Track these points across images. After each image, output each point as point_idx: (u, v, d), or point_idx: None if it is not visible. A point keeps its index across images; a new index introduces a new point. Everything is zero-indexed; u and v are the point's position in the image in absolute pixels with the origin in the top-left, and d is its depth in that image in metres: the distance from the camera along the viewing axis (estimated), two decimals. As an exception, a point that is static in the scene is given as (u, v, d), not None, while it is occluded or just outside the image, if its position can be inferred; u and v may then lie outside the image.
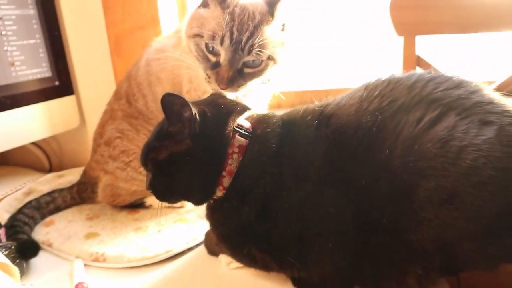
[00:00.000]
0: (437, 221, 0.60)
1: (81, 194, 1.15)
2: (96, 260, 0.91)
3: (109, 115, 1.14)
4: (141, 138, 1.07)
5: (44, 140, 1.41)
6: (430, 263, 0.64)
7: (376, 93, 0.69)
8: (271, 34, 0.86)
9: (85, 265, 0.90)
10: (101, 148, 1.11)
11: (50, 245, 0.97)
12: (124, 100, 1.12)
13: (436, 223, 0.60)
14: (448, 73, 0.68)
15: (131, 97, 1.10)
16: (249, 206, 0.72)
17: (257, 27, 0.84)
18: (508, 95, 0.66)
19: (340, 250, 0.69)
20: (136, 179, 1.07)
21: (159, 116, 1.07)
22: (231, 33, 0.83)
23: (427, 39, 1.19)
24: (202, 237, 0.96)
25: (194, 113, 0.71)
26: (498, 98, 0.65)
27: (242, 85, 0.88)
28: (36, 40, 1.23)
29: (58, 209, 1.12)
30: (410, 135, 0.62)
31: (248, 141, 0.73)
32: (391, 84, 0.69)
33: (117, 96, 1.15)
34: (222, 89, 0.86)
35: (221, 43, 0.84)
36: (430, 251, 0.63)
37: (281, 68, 0.92)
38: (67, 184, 1.21)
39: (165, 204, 0.81)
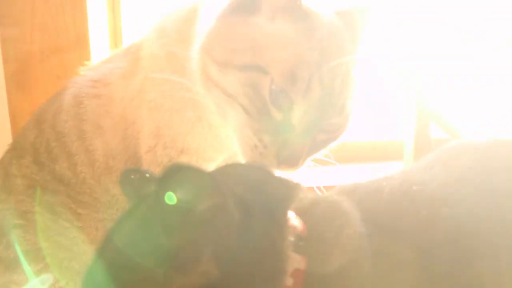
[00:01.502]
0: None
1: None
2: None
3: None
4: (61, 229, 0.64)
5: None
6: None
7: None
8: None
9: None
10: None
11: None
12: (29, 159, 0.68)
13: None
14: None
15: (44, 155, 0.67)
16: None
17: (349, 67, 0.55)
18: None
19: None
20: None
21: (97, 189, 0.65)
22: (321, 78, 0.52)
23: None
24: None
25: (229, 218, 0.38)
26: None
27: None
28: None
29: None
30: None
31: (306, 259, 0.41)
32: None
33: (17, 151, 0.70)
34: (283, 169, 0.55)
35: (305, 92, 0.52)
36: None
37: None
38: None
39: None
